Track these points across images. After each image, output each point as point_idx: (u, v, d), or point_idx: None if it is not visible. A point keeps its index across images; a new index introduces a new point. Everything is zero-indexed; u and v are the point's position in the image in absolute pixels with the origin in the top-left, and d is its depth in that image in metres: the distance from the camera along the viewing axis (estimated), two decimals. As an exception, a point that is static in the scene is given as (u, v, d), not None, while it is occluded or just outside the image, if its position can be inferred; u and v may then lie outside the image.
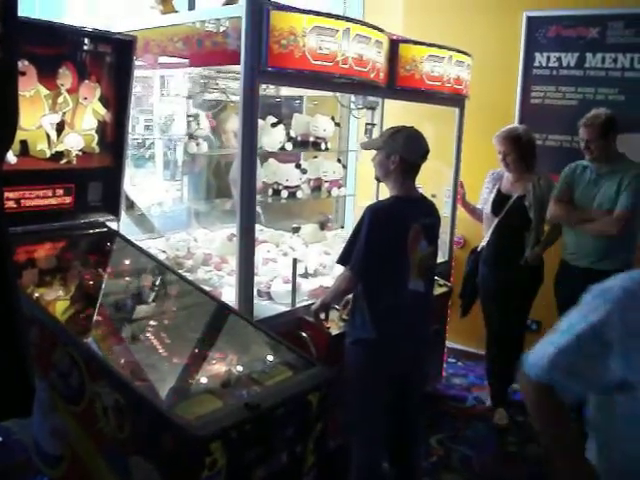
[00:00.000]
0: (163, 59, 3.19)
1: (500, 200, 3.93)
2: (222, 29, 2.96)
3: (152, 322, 2.59)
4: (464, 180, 4.23)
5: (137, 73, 2.93)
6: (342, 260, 2.74)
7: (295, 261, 3.16)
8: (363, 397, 2.77)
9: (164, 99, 3.71)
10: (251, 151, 2.78)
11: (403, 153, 2.70)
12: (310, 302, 3.24)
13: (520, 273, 3.83)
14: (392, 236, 2.67)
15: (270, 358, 2.39)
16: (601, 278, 3.63)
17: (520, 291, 3.91)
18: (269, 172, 3.66)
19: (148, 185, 3.88)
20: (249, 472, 1.95)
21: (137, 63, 2.91)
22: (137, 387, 1.97)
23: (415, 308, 2.79)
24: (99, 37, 2.66)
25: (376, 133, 3.64)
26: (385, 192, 3.70)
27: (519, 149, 3.84)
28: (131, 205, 3.49)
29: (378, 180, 2.89)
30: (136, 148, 3.60)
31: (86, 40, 2.62)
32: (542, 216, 3.82)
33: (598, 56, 4.38)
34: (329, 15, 2.86)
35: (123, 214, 3.26)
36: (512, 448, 3.74)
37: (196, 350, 2.49)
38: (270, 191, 3.67)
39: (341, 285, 2.79)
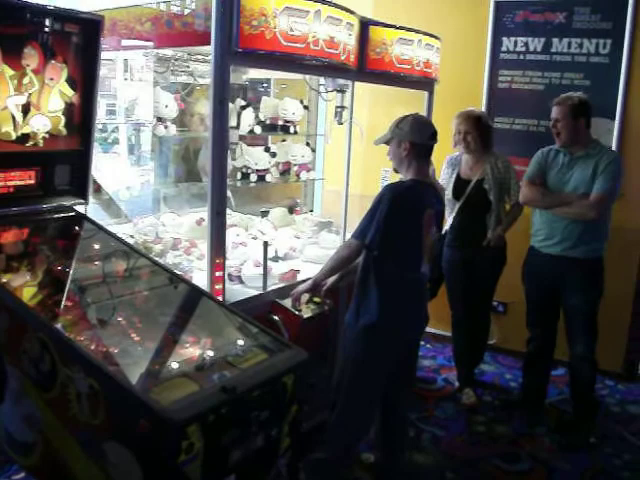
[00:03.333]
0: (129, 41, 3.14)
1: (460, 184, 3.98)
2: (187, 11, 2.92)
3: (123, 306, 2.55)
4: (433, 161, 4.25)
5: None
6: (360, 235, 2.73)
7: (266, 244, 3.15)
8: (359, 381, 2.81)
9: (128, 82, 3.65)
10: (222, 134, 2.76)
11: (412, 138, 2.75)
12: (281, 285, 3.25)
13: (484, 255, 3.89)
14: (410, 218, 2.74)
15: (244, 341, 2.38)
16: (574, 265, 3.71)
17: (484, 273, 3.97)
18: (237, 155, 3.63)
19: (115, 169, 3.83)
20: (226, 455, 1.95)
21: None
22: (112, 372, 1.94)
23: (422, 291, 2.92)
24: (66, 16, 2.59)
25: (346, 116, 3.63)
26: (354, 176, 3.74)
27: (480, 129, 3.90)
28: (98, 189, 3.43)
29: (396, 171, 2.93)
30: (99, 132, 3.54)
31: (52, 19, 2.55)
32: (502, 197, 3.88)
33: (564, 41, 4.44)
34: (300, -4, 2.83)
35: (90, 198, 3.22)
36: (480, 428, 3.81)
37: (169, 334, 2.46)
38: (239, 175, 3.65)
39: (343, 253, 2.82)
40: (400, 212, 2.67)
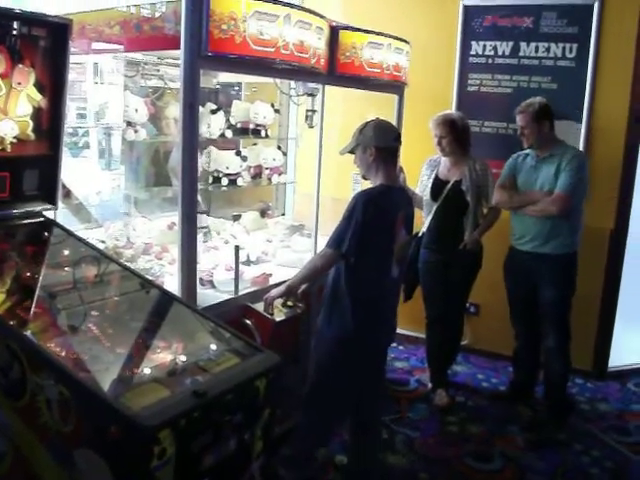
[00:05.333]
0: (98, 44, 3.11)
1: (438, 185, 4.01)
2: (157, 14, 2.90)
3: (94, 312, 2.53)
4: (403, 166, 4.28)
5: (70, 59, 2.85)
6: (335, 244, 2.73)
7: (237, 249, 3.14)
8: (332, 388, 2.84)
9: (98, 86, 3.62)
10: (192, 138, 2.75)
11: (377, 142, 2.78)
12: (253, 289, 3.25)
13: (460, 257, 3.92)
14: (382, 224, 2.75)
15: (216, 346, 2.37)
16: (546, 261, 3.88)
17: (460, 275, 4.00)
18: (208, 159, 3.62)
19: (85, 174, 3.79)
20: (198, 460, 1.94)
21: (71, 49, 2.83)
22: (82, 378, 1.92)
23: (392, 295, 2.94)
24: (33, 20, 2.56)
25: (317, 120, 3.64)
26: (326, 179, 3.75)
27: (454, 132, 3.93)
28: (67, 194, 3.40)
29: (365, 178, 2.94)
30: (69, 136, 3.50)
31: (19, 23, 2.52)
32: (479, 199, 3.92)
33: (532, 45, 4.51)
34: (270, 0, 2.83)
35: (60, 203, 3.18)
36: (453, 428, 3.84)
37: (140, 340, 2.44)
38: (210, 179, 3.64)
39: (318, 263, 2.83)
40: (374, 219, 2.69)
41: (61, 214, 3.03)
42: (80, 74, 3.56)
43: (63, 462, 1.95)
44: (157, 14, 2.91)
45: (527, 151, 3.82)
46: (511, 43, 4.55)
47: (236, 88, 4.57)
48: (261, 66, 2.94)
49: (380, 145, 2.78)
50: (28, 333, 2.35)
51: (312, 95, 3.63)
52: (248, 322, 3.07)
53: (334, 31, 3.40)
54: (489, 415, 3.99)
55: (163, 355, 2.33)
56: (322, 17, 3.22)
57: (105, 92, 3.60)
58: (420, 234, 4.09)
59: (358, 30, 3.54)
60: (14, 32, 2.51)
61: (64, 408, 1.90)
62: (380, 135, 2.80)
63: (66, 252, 2.79)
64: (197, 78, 2.71)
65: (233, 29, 2.68)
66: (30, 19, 2.57)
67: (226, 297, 3.12)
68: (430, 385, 4.26)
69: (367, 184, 2.97)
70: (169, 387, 2.04)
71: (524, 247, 3.81)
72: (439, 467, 3.42)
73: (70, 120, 3.55)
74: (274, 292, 2.97)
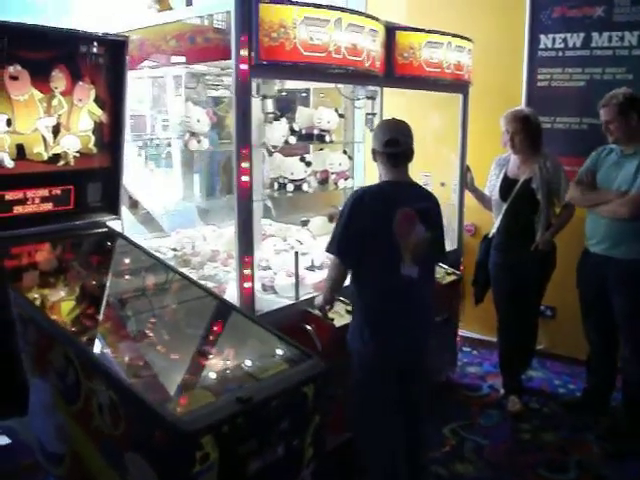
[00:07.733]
0: (174, 58, 3.21)
1: (507, 185, 3.88)
2: (216, 25, 2.97)
3: (152, 320, 2.61)
4: (472, 165, 4.19)
5: (150, 73, 2.94)
6: (328, 247, 2.72)
7: (297, 254, 3.15)
8: (366, 396, 2.76)
9: (177, 98, 3.74)
10: (245, 146, 2.79)
11: (373, 144, 2.78)
12: (314, 294, 3.25)
13: (532, 259, 3.78)
14: (375, 219, 2.63)
15: (268, 352, 2.39)
16: (616, 266, 3.59)
17: (532, 277, 3.85)
18: (273, 166, 3.66)
19: (154, 184, 3.91)
20: (244, 465, 1.96)
21: (149, 63, 2.98)
22: (129, 384, 1.98)
23: (409, 294, 2.71)
24: (91, 39, 2.68)
25: (377, 122, 3.61)
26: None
27: (527, 129, 3.79)
28: (134, 204, 3.51)
29: None
30: (155, 147, 3.64)
31: (78, 42, 2.64)
32: (550, 198, 3.77)
33: (604, 35, 4.30)
34: (319, 6, 2.84)
35: (129, 214, 3.30)
36: (526, 436, 3.70)
37: (194, 346, 2.49)
38: (275, 185, 3.67)
39: (332, 273, 2.79)
40: (362, 214, 2.61)
41: (131, 223, 3.14)
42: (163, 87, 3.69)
43: (115, 465, 2.01)
44: (215, 24, 2.98)
45: (613, 145, 3.56)
46: (582, 34, 4.36)
47: (304, 94, 4.60)
48: (313, 71, 2.95)
49: (374, 148, 2.76)
50: (92, 339, 2.45)
51: (372, 98, 3.60)
52: (308, 327, 3.07)
53: (390, 32, 3.37)
54: (565, 423, 3.82)
55: (214, 362, 2.37)
56: (376, 19, 3.19)
57: (182, 104, 3.69)
58: (490, 235, 3.99)
59: (415, 30, 3.50)
60: (73, 51, 2.64)
61: (114, 413, 1.96)
62: (376, 138, 2.77)
63: (127, 261, 2.89)
64: (249, 87, 2.74)
65: (283, 36, 2.70)
66: (88, 38, 2.68)
67: (286, 302, 3.14)
68: (502, 391, 4.13)
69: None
70: (216, 393, 2.07)
71: (594, 249, 3.59)
72: (510, 476, 3.30)
73: (156, 132, 3.71)
74: (319, 300, 2.96)
